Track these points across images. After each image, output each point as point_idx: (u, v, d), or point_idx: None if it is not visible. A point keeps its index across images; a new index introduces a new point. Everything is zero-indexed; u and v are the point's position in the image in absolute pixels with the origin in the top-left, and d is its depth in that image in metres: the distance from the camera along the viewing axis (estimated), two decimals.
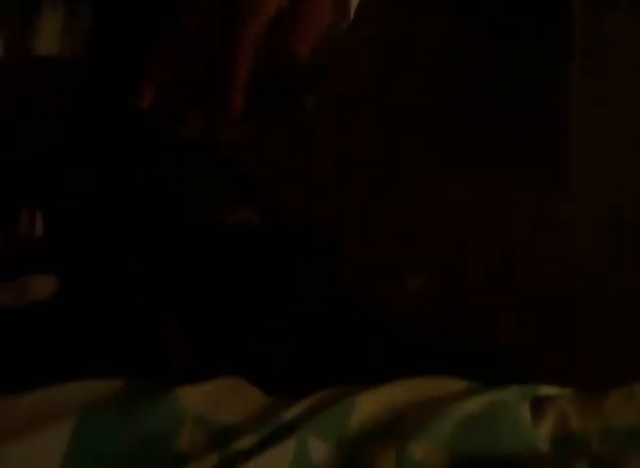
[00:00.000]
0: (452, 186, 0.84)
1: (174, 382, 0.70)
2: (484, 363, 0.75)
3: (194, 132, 0.65)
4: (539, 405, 0.72)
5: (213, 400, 0.70)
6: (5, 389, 0.68)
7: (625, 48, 0.89)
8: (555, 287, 0.80)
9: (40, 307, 0.76)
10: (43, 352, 0.73)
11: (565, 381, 0.73)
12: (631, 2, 0.90)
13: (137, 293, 0.75)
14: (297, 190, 0.85)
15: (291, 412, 0.70)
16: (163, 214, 0.79)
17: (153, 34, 0.67)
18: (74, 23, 0.77)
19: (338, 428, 0.69)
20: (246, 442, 0.68)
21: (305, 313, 0.79)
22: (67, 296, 0.77)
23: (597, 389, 0.73)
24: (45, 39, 0.78)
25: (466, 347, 0.76)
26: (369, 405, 0.71)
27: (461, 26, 0.88)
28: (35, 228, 0.79)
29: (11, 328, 0.75)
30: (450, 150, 0.86)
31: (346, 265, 0.82)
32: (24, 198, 0.80)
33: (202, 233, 0.80)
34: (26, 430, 0.64)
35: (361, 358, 0.77)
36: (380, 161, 0.86)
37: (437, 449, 0.68)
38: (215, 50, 0.62)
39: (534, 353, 0.76)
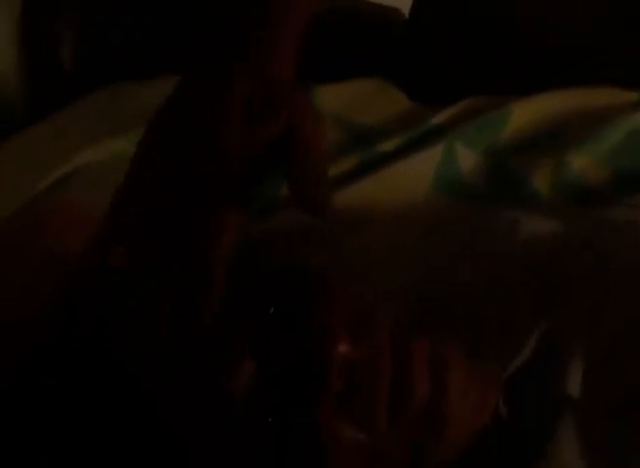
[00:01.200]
0: None
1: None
2: None
3: None
4: None
5: (354, 100, 0.65)
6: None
7: None
8: None
9: None
10: None
11: None
12: None
13: None
14: None
15: (439, 118, 0.64)
16: None
17: None
18: None
19: (490, 137, 0.63)
20: (389, 144, 0.63)
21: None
22: None
23: None
24: None
25: None
26: (525, 114, 0.64)
27: None
28: None
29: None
30: None
31: None
32: None
33: None
34: None
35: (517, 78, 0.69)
36: None
37: (599, 163, 0.62)
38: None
39: None
